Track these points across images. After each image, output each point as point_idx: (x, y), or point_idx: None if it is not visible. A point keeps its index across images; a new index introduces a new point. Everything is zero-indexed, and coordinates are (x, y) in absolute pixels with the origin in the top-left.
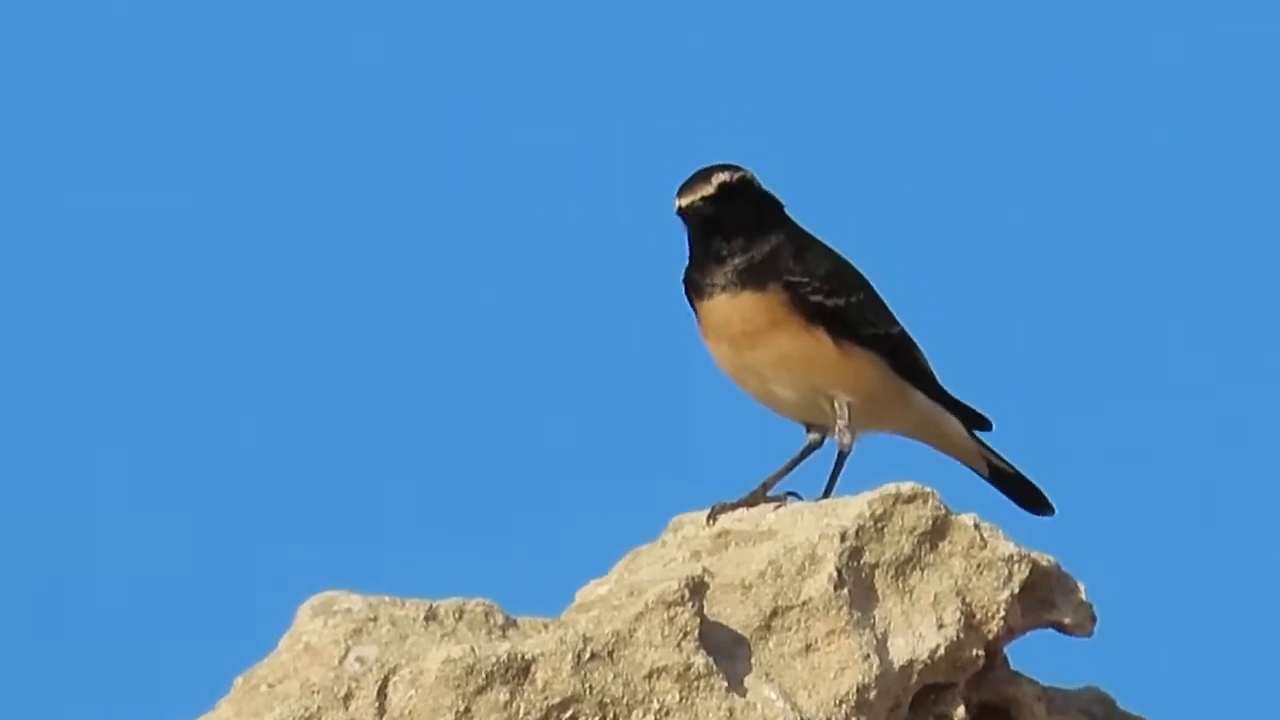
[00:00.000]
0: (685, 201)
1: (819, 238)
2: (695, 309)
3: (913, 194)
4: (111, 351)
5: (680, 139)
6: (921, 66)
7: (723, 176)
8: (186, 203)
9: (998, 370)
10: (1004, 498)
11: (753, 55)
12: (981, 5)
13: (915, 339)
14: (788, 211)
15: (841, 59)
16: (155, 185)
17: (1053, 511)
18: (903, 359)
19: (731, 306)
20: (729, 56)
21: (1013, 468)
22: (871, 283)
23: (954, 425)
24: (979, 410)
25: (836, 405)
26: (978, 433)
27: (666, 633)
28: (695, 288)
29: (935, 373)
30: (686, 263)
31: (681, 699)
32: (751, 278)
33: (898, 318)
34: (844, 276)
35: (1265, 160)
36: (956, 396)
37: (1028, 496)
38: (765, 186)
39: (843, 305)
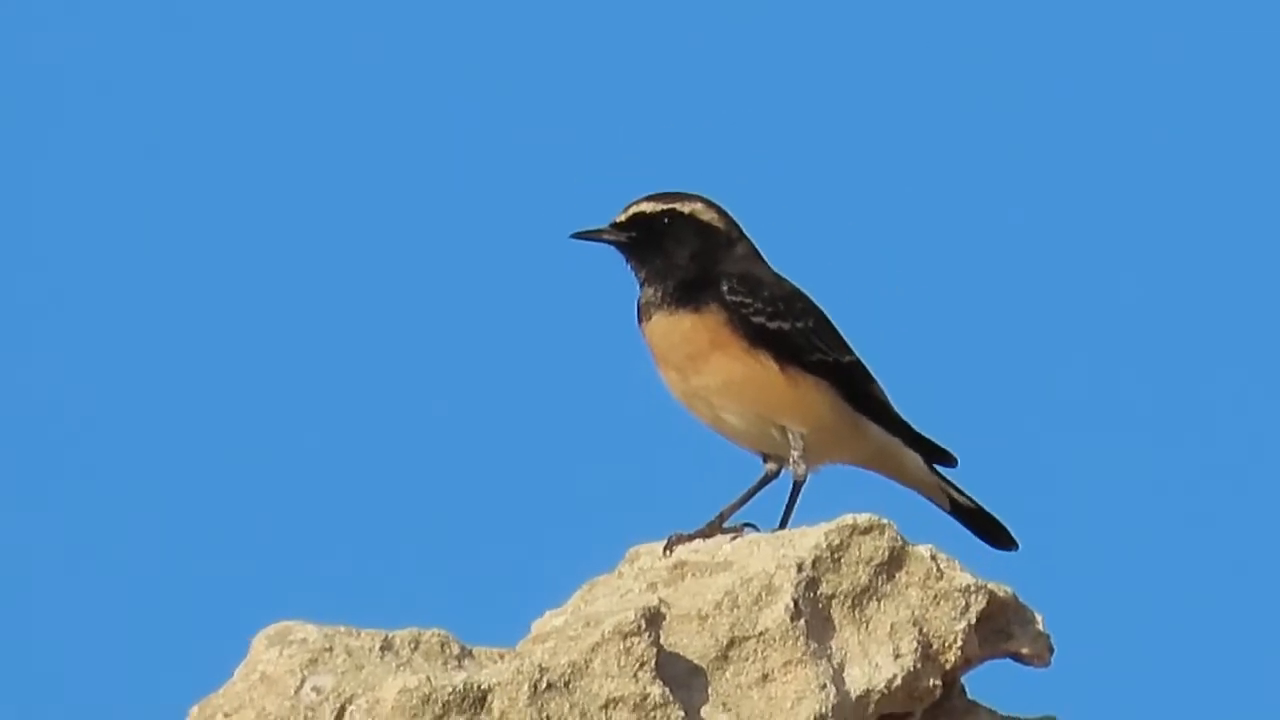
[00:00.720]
0: (602, 229)
1: (775, 268)
2: (642, 335)
3: (890, 231)
4: (62, 390)
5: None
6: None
7: (642, 207)
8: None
9: (964, 404)
10: (962, 528)
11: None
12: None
13: (872, 371)
14: (754, 244)
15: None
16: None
17: (1016, 547)
18: (856, 389)
19: (669, 325)
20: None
21: (974, 502)
22: (826, 313)
23: (913, 459)
24: (942, 445)
25: (790, 435)
26: (942, 468)
27: (623, 663)
28: (638, 310)
29: (894, 405)
30: None
31: None
32: (689, 298)
33: (853, 349)
34: (790, 302)
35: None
36: (919, 430)
37: (990, 532)
38: (708, 219)
39: (787, 329)
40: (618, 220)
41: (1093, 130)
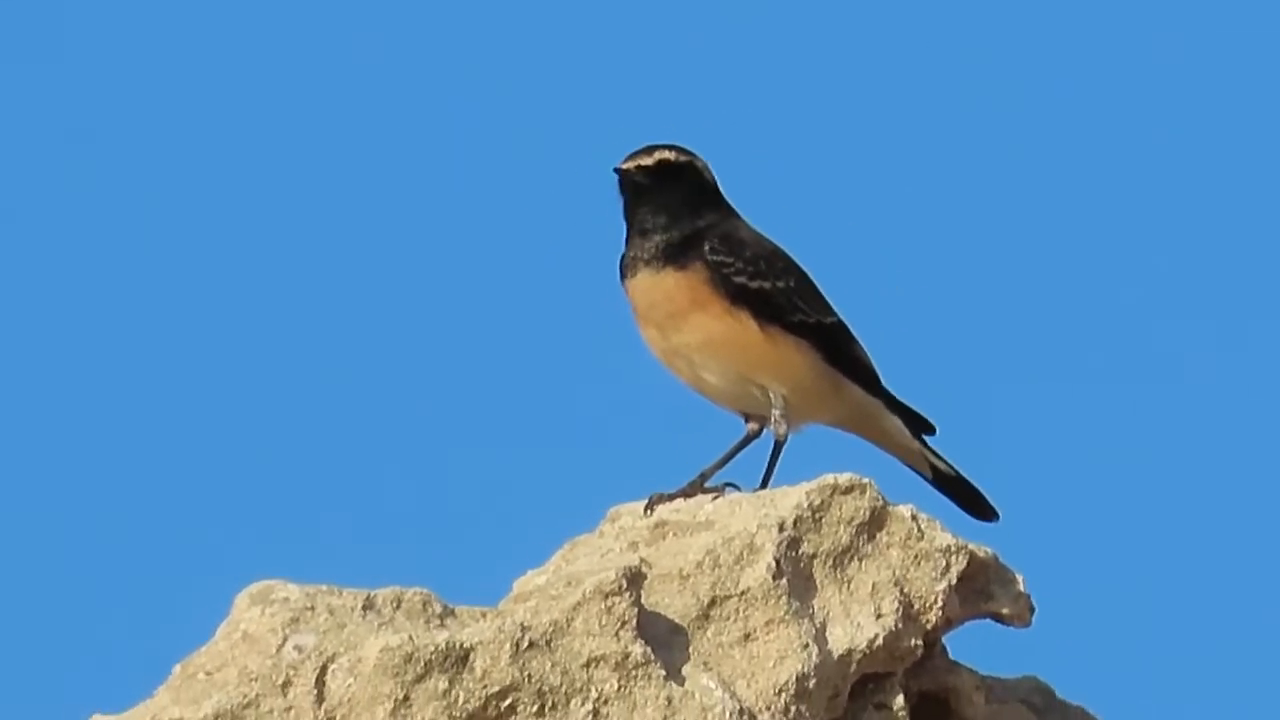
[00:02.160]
0: (625, 165)
1: (760, 230)
2: (625, 291)
3: (876, 200)
4: (51, 342)
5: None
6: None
7: (666, 154)
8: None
9: (944, 372)
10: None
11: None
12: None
13: (855, 333)
14: (733, 206)
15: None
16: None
17: (996, 518)
18: (837, 350)
19: (653, 282)
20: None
21: (956, 470)
22: (808, 273)
23: (894, 423)
24: (923, 414)
25: (771, 395)
26: (923, 437)
27: (604, 622)
28: (623, 267)
29: (877, 369)
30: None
31: (620, 688)
32: (675, 255)
33: (836, 309)
34: (772, 262)
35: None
36: (902, 400)
37: (971, 501)
38: (710, 177)
39: (768, 289)
40: (643, 164)
41: (1056, 105)
